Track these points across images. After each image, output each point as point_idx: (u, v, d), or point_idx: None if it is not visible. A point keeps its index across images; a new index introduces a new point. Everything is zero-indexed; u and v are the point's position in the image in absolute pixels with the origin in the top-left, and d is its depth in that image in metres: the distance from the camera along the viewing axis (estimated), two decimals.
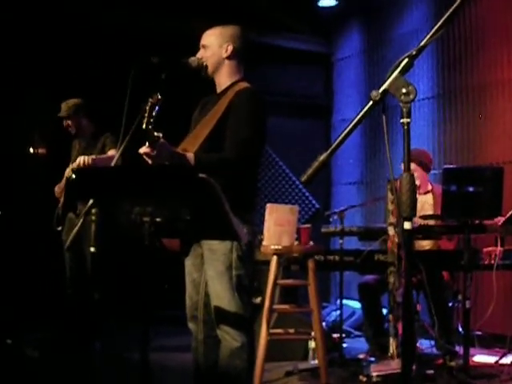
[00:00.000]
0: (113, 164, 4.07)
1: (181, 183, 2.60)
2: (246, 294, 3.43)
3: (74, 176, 5.18)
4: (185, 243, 3.51)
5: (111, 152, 5.74)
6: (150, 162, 3.15)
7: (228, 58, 3.54)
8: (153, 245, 2.71)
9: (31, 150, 6.14)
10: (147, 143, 3.09)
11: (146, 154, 3.12)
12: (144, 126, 3.03)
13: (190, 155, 3.27)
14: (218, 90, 3.60)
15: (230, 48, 3.53)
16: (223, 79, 3.57)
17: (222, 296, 3.37)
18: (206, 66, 3.53)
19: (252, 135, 3.37)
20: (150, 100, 3.06)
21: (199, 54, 3.54)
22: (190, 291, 3.58)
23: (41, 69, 7.26)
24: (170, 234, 3.23)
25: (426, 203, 5.83)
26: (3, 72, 7.06)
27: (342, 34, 9.21)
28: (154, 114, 3.04)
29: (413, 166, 5.53)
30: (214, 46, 3.54)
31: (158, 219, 2.69)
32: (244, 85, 3.52)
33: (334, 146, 2.29)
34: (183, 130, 3.58)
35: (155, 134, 3.07)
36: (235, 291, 3.36)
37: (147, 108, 3.04)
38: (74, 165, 5.58)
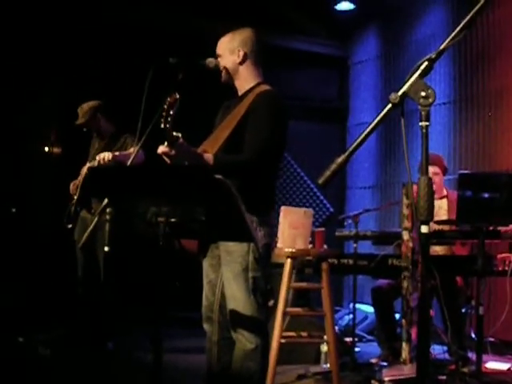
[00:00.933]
0: (129, 163, 4.09)
1: (197, 183, 2.60)
2: (262, 297, 3.43)
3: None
4: (202, 244, 3.52)
5: (133, 149, 5.68)
6: (168, 161, 3.15)
7: (241, 62, 3.55)
8: (168, 245, 2.71)
9: (46, 149, 6.14)
10: (166, 143, 3.09)
11: (164, 153, 3.12)
12: (162, 126, 3.04)
13: (209, 156, 3.27)
14: (240, 94, 3.61)
15: (242, 53, 3.54)
16: (242, 84, 3.58)
17: (237, 298, 3.37)
18: (225, 73, 3.54)
19: (269, 138, 3.37)
20: (168, 99, 3.07)
21: (218, 64, 3.56)
22: (206, 292, 3.58)
23: (59, 68, 7.29)
24: (187, 235, 3.23)
25: (441, 208, 5.81)
26: (21, 71, 7.09)
27: (359, 38, 9.21)
28: (171, 113, 3.03)
29: (437, 169, 5.54)
30: (227, 53, 3.56)
31: (173, 219, 2.69)
32: (265, 87, 3.52)
33: (351, 148, 2.29)
34: (205, 132, 3.59)
35: (174, 133, 3.07)
36: (251, 293, 3.36)
37: (165, 107, 3.05)
38: (95, 161, 5.56)
